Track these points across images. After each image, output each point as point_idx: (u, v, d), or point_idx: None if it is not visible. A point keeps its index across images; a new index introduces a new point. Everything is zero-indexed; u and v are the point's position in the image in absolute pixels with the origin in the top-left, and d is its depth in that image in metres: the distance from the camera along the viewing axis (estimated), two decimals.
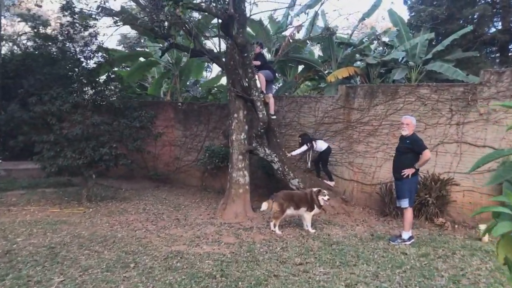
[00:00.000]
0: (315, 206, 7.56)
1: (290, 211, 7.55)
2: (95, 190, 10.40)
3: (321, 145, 9.50)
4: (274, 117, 9.35)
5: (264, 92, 8.69)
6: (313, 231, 7.50)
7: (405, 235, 6.77)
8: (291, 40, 15.40)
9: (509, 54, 17.99)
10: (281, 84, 17.21)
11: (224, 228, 7.76)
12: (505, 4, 16.46)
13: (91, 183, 10.31)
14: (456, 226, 8.05)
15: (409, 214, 6.73)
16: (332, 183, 9.54)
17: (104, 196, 10.29)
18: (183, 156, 13.12)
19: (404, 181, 6.71)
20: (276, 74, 9.41)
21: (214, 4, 7.46)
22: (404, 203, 6.72)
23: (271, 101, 9.07)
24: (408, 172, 6.62)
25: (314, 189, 7.69)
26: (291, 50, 15.85)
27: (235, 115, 8.68)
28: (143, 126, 10.80)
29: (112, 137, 10.10)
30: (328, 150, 9.54)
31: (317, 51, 18.92)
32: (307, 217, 7.56)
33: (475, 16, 16.47)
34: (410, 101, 8.90)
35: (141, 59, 15.66)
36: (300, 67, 16.68)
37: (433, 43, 14.65)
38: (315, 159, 9.75)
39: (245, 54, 7.73)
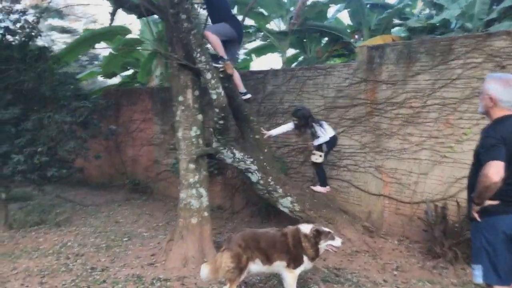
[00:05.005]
0: (304, 258, 4.16)
1: (255, 267, 4.18)
2: (16, 215, 7.45)
3: (327, 130, 6.02)
4: (248, 96, 5.84)
5: (225, 57, 5.25)
6: None
7: None
8: (307, 3, 11.90)
9: None
10: (300, 60, 13.66)
11: None
12: None
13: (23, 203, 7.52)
14: None
15: None
16: (325, 190, 6.12)
17: (28, 221, 7.29)
18: (163, 159, 10.00)
19: (473, 226, 3.17)
20: (243, 31, 5.81)
21: None
22: (476, 272, 3.13)
23: (235, 74, 5.58)
24: (474, 210, 3.08)
25: (303, 227, 4.27)
26: (310, 18, 12.35)
27: (180, 98, 5.37)
28: (86, 121, 7.69)
29: (40, 138, 7.09)
30: (333, 140, 6.07)
31: (346, 18, 15.10)
32: (289, 278, 4.15)
33: None
34: (474, 63, 5.24)
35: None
36: (325, 40, 13.15)
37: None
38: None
39: None
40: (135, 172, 10.70)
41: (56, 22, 21.40)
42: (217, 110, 4.97)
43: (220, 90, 4.89)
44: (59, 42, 18.91)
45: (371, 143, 6.28)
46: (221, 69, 5.16)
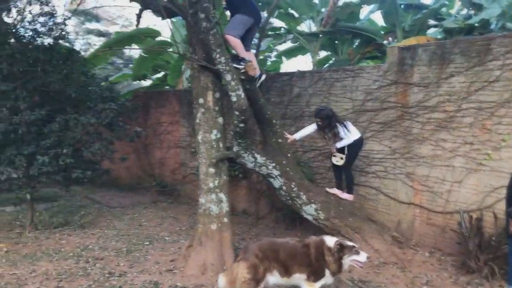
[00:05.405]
0: (326, 272, 3.91)
1: (273, 279, 3.97)
2: (41, 215, 7.49)
3: (352, 132, 5.70)
4: (264, 76, 5.47)
5: (246, 58, 5.03)
6: None
7: None
8: (338, 4, 11.57)
9: None
10: (331, 62, 13.31)
11: None
12: None
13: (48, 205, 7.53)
14: None
15: None
16: (350, 197, 5.80)
17: (53, 222, 7.31)
18: (189, 161, 9.91)
19: (511, 243, 2.88)
20: (260, 14, 5.47)
21: None
22: None
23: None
24: None
25: (328, 239, 4.02)
26: (342, 19, 12.01)
27: (200, 100, 5.23)
28: (111, 123, 7.66)
29: (65, 140, 7.09)
30: (359, 142, 5.73)
31: (379, 19, 14.65)
32: None
33: None
34: None
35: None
36: (357, 42, 12.76)
37: None
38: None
39: None
40: (163, 174, 10.68)
41: (93, 25, 21.85)
42: (237, 112, 4.80)
43: (240, 92, 4.71)
44: (96, 45, 19.24)
45: (401, 148, 5.96)
46: (242, 71, 4.98)
